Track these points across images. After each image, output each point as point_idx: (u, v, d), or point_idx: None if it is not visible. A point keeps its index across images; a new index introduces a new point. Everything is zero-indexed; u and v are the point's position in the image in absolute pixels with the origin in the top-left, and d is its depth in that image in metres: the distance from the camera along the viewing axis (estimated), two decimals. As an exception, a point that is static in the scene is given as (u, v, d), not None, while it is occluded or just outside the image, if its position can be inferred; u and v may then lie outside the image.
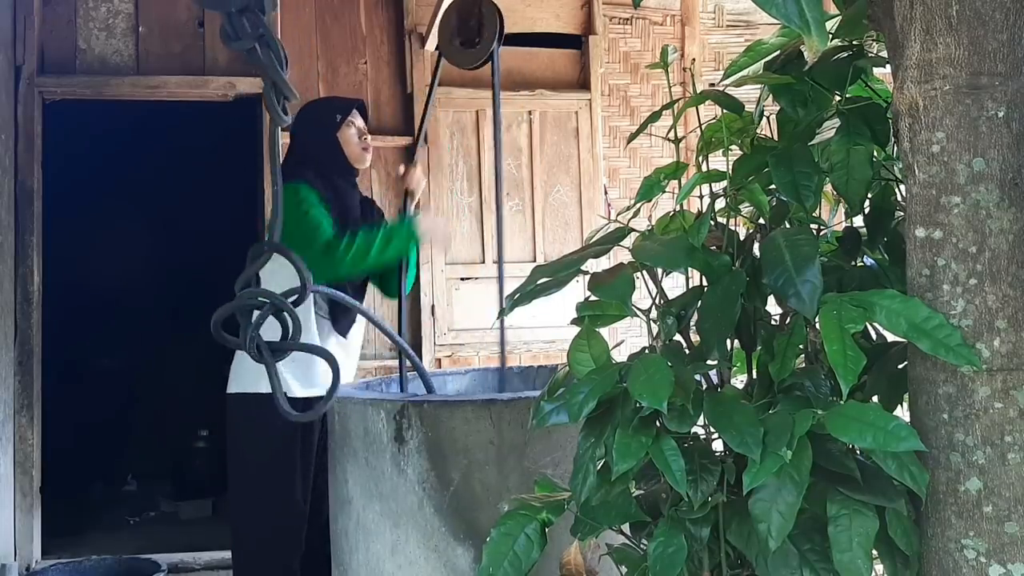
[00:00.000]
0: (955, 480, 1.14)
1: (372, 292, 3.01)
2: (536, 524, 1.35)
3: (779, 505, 1.12)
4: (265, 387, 2.71)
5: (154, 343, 6.12)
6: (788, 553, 1.18)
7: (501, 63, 2.81)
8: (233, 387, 2.77)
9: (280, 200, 1.71)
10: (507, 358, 2.81)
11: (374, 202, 3.09)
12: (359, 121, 2.89)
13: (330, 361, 1.76)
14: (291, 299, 1.70)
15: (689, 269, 1.34)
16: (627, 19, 4.83)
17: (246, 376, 2.75)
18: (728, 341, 1.33)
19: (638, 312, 1.37)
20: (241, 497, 2.79)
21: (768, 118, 1.48)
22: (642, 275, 1.40)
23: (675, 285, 1.38)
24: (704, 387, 1.30)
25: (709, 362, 1.30)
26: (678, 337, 1.38)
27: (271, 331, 1.72)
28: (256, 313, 1.68)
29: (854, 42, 1.42)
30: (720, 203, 1.39)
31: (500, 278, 2.62)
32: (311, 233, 2.58)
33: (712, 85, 4.17)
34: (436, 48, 3.07)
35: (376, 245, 2.59)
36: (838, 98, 1.38)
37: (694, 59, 4.75)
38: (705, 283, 1.34)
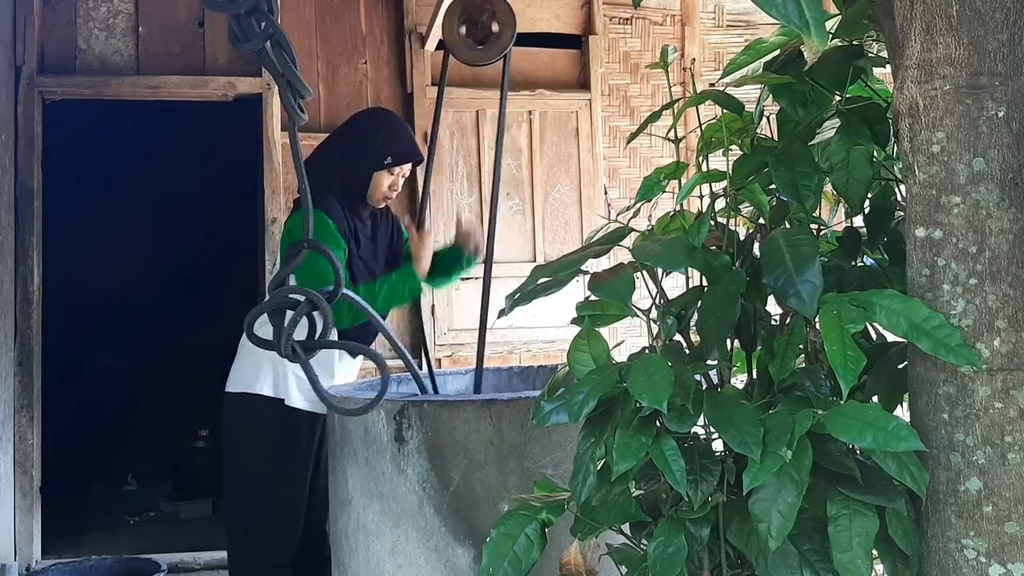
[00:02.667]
0: (955, 480, 1.14)
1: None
2: (536, 524, 1.35)
3: (779, 505, 1.12)
4: (263, 388, 2.71)
5: (154, 343, 6.12)
6: (788, 553, 1.18)
7: (489, 65, 2.79)
8: (230, 386, 2.77)
9: (308, 198, 1.70)
10: (507, 358, 2.80)
11: (388, 210, 2.91)
12: (404, 170, 2.77)
13: (375, 358, 1.77)
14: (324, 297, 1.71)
15: (689, 269, 1.34)
16: (627, 19, 4.83)
17: (242, 376, 2.74)
18: (728, 341, 1.33)
19: (638, 312, 1.37)
20: (234, 496, 2.78)
21: (768, 118, 1.48)
22: (642, 275, 1.40)
23: (675, 285, 1.38)
24: (704, 387, 1.30)
25: (709, 362, 1.30)
26: (678, 337, 1.38)
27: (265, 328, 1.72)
28: (289, 313, 1.68)
29: (854, 42, 1.42)
30: (720, 203, 1.39)
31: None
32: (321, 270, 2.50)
33: (712, 85, 4.17)
34: (440, 45, 3.03)
35: (379, 300, 2.56)
36: (838, 98, 1.38)
37: (694, 59, 4.75)
38: (705, 283, 1.34)
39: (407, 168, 2.78)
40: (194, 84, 4.25)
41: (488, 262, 2.60)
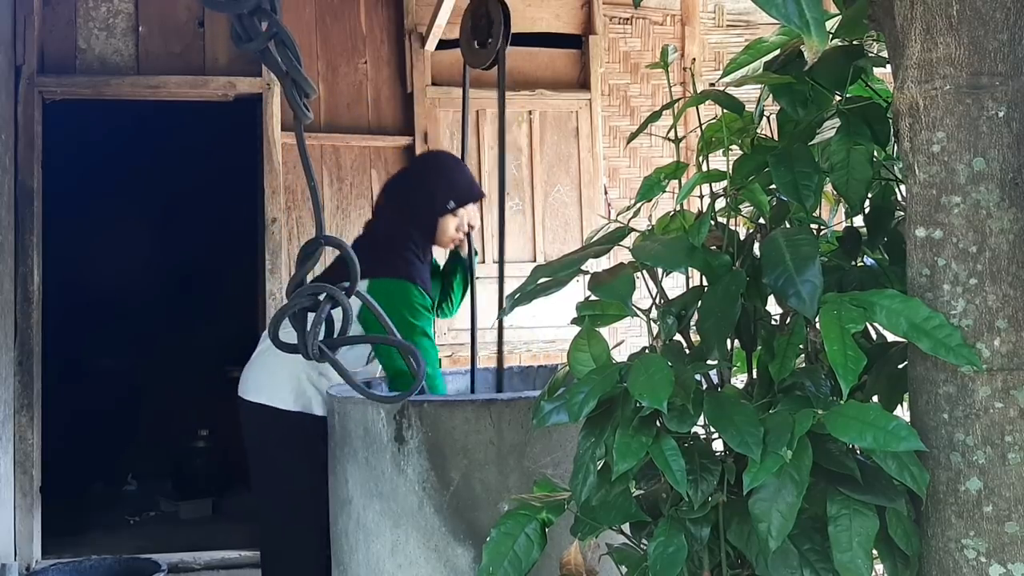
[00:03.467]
0: (955, 480, 1.14)
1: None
2: (536, 524, 1.35)
3: (779, 505, 1.12)
4: (285, 402, 2.62)
5: (154, 343, 6.12)
6: (788, 553, 1.18)
7: (492, 66, 2.79)
8: (251, 394, 2.66)
9: (319, 196, 1.69)
10: (507, 358, 2.79)
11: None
12: (469, 211, 2.72)
13: (404, 348, 1.77)
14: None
15: (689, 269, 1.34)
16: (627, 19, 4.83)
17: (265, 386, 2.63)
18: (728, 341, 1.33)
19: (638, 312, 1.37)
20: (269, 510, 2.68)
21: (768, 118, 1.48)
22: (642, 275, 1.40)
23: (675, 285, 1.38)
24: (704, 387, 1.30)
25: (709, 362, 1.30)
26: (678, 337, 1.38)
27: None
28: (310, 315, 1.68)
29: (854, 42, 1.42)
30: (720, 203, 1.39)
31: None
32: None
33: (712, 85, 4.17)
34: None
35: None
36: (838, 98, 1.38)
37: (694, 59, 4.75)
38: (705, 283, 1.34)
39: (471, 208, 2.72)
40: (194, 84, 4.24)
41: (501, 263, 2.62)
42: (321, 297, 1.68)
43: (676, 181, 1.48)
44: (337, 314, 1.74)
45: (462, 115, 2.98)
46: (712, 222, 1.37)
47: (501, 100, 2.63)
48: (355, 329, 2.18)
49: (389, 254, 2.59)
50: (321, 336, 1.71)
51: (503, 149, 2.64)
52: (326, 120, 4.35)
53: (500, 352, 2.64)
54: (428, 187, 2.69)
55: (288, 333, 1.73)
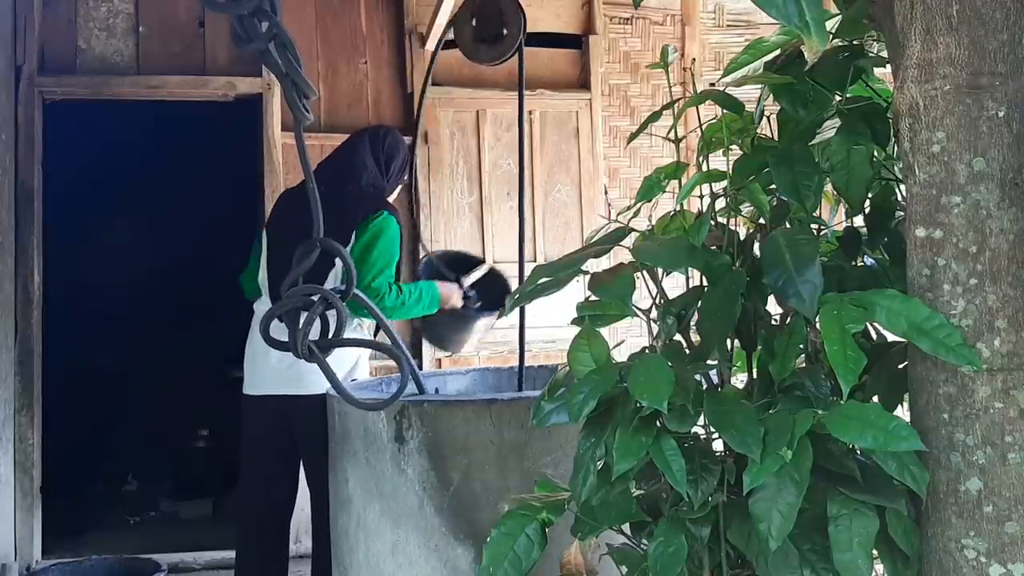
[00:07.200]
0: (955, 480, 1.14)
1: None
2: (536, 524, 1.35)
3: (779, 505, 1.12)
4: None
5: (154, 343, 6.12)
6: (788, 553, 1.18)
7: (502, 63, 2.79)
8: (308, 388, 2.61)
9: (317, 199, 1.70)
10: (507, 358, 2.80)
11: None
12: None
13: (393, 353, 1.78)
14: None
15: (689, 269, 1.34)
16: (627, 19, 4.83)
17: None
18: (728, 341, 1.33)
19: (638, 312, 1.37)
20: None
21: (768, 118, 1.48)
22: (642, 275, 1.40)
23: (675, 285, 1.38)
24: (704, 387, 1.30)
25: (709, 362, 1.30)
26: (678, 337, 1.38)
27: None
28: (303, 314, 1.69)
29: (854, 42, 1.42)
30: (720, 203, 1.39)
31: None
32: (389, 266, 2.69)
33: (712, 85, 4.16)
34: (444, 46, 3.08)
35: (417, 303, 2.71)
36: (839, 98, 1.38)
37: (694, 59, 4.75)
38: (705, 283, 1.34)
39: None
40: (194, 84, 4.24)
41: (520, 263, 2.65)
42: (315, 298, 1.68)
43: (676, 181, 1.48)
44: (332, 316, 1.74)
45: (417, 111, 3.07)
46: (712, 222, 1.37)
47: (520, 99, 2.65)
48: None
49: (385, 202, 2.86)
50: (316, 336, 1.71)
51: (522, 147, 2.69)
52: (326, 120, 4.35)
53: (522, 351, 2.66)
54: (403, 156, 3.00)
55: (280, 332, 1.74)
